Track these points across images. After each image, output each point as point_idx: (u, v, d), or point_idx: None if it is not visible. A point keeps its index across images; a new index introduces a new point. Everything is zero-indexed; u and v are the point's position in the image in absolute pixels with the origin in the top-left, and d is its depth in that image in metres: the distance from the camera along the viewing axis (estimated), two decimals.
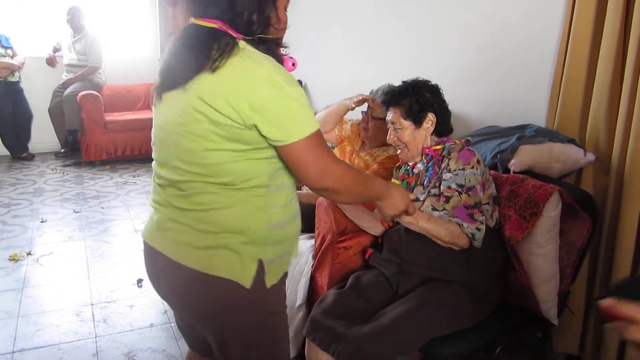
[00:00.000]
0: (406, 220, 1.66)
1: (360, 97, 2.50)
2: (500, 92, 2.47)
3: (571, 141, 2.03)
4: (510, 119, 2.36)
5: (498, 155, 2.02)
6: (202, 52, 1.11)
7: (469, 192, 1.66)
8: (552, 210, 1.73)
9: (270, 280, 1.23)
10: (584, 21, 1.99)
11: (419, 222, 1.67)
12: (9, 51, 5.14)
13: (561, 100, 2.10)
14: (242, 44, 1.13)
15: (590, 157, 2.02)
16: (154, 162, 1.29)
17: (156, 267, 1.28)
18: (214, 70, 1.08)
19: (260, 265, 1.21)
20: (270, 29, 1.20)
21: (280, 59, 1.20)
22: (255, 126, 1.10)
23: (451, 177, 1.70)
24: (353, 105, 2.54)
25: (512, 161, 1.96)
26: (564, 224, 1.80)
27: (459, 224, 1.66)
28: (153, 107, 1.26)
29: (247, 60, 1.10)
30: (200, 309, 1.24)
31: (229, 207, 1.17)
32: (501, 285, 1.78)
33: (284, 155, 1.15)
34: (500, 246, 1.78)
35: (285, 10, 1.25)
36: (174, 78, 1.15)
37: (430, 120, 1.82)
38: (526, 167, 1.95)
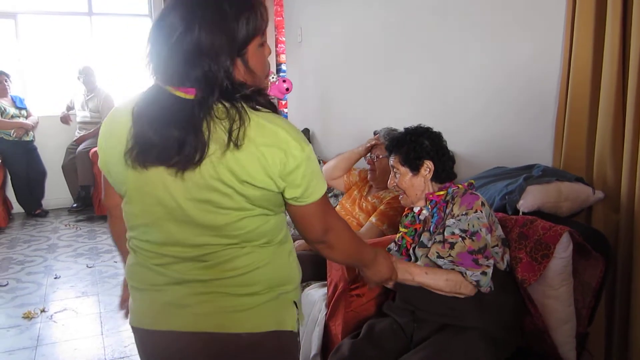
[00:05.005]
0: (401, 278, 1.67)
1: (370, 144, 2.65)
2: (506, 133, 2.50)
3: (579, 179, 2.04)
4: (516, 160, 2.37)
5: (506, 197, 2.02)
6: (196, 130, 1.03)
7: (473, 237, 1.66)
8: (563, 251, 1.72)
9: (300, 320, 1.27)
10: (582, 59, 2.03)
11: (414, 278, 1.67)
12: (24, 112, 5.29)
13: (566, 140, 2.12)
14: (244, 107, 1.06)
15: (599, 194, 2.02)
16: (141, 243, 1.18)
17: (176, 351, 1.19)
18: (238, 146, 1.03)
19: (295, 306, 1.24)
20: (247, 81, 1.11)
21: (273, 107, 1.14)
22: (284, 190, 1.11)
23: (454, 223, 1.70)
24: (365, 148, 2.68)
25: (521, 202, 1.97)
26: (577, 265, 1.78)
27: (462, 273, 1.65)
28: (127, 173, 1.11)
29: (265, 124, 1.06)
30: None
31: (269, 264, 1.18)
32: (517, 329, 1.75)
33: (295, 212, 1.17)
34: (513, 290, 1.76)
35: (262, 49, 1.15)
36: (175, 155, 1.04)
37: (427, 167, 1.83)
38: (535, 207, 1.95)
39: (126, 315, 1.35)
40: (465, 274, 1.64)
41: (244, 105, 1.06)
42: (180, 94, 1.05)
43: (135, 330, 1.25)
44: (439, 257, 1.69)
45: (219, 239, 1.12)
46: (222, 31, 1.05)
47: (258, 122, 1.06)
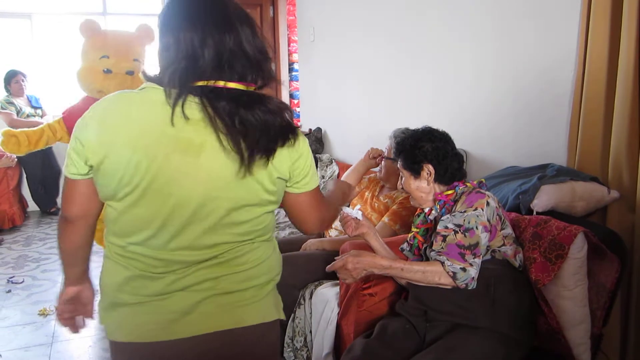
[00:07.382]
0: (381, 266, 1.74)
1: (369, 154, 2.71)
2: (519, 133, 2.48)
3: (594, 179, 2.02)
4: (530, 159, 2.36)
5: (520, 196, 2.01)
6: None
7: (466, 233, 1.65)
8: (577, 251, 1.71)
9: None
10: (598, 57, 2.00)
11: (390, 273, 1.74)
12: (39, 111, 5.35)
13: (580, 139, 2.10)
14: None
15: (615, 194, 1.99)
16: (149, 251, 1.16)
17: (182, 357, 1.19)
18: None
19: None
20: None
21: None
22: (289, 178, 1.22)
23: (448, 218, 1.71)
24: (369, 160, 2.72)
25: (535, 201, 1.95)
26: (592, 265, 1.77)
27: (441, 262, 1.66)
28: (147, 167, 1.08)
29: None
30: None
31: (270, 256, 1.28)
32: (530, 330, 1.74)
33: (295, 200, 1.27)
34: (527, 289, 1.75)
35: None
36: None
37: (428, 171, 1.83)
38: (549, 207, 1.94)
39: (73, 329, 1.43)
40: (444, 263, 1.64)
41: None
42: None
43: (128, 345, 1.19)
44: (432, 249, 1.71)
45: (240, 237, 1.20)
46: None
47: None
